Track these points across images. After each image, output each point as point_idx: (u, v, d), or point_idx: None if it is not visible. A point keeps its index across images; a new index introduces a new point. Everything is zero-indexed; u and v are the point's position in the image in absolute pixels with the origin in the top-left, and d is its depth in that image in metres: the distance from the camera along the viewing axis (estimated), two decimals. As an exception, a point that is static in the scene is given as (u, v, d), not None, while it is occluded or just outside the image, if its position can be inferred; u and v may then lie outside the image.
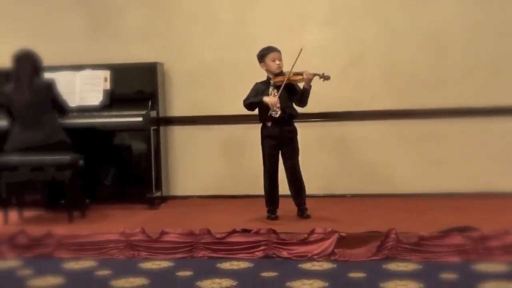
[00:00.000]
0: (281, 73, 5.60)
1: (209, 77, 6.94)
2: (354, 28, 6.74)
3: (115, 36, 7.03)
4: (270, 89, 5.62)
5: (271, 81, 5.63)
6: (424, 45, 6.63)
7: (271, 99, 5.54)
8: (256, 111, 5.71)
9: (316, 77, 5.52)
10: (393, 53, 6.68)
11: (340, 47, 6.74)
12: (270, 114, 5.57)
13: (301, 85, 5.60)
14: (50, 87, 5.97)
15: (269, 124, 5.62)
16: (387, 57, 6.69)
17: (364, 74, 6.71)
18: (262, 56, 5.64)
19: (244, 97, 5.68)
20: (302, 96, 5.60)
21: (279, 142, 5.62)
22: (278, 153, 5.67)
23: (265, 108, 5.60)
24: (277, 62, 5.59)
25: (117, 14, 7.06)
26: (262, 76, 5.72)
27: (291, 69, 5.50)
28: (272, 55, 5.60)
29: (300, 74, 5.53)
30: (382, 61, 6.70)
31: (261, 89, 5.65)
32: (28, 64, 5.94)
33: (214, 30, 6.94)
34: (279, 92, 5.52)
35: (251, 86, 5.60)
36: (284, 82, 5.51)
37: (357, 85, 6.70)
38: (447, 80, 6.61)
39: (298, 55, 5.43)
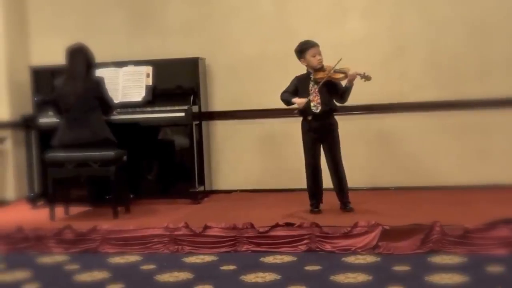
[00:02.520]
0: (321, 68, 5.57)
1: (250, 70, 6.94)
2: (395, 18, 6.67)
3: (156, 31, 7.08)
4: (311, 84, 5.59)
5: (312, 76, 5.60)
6: (468, 35, 6.53)
7: (300, 101, 5.51)
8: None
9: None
10: (435, 43, 6.59)
11: (381, 38, 6.68)
12: (311, 109, 5.55)
13: (342, 82, 5.58)
14: (99, 84, 6.02)
15: (309, 118, 5.61)
16: (430, 47, 6.61)
17: (406, 65, 6.64)
18: (302, 51, 5.62)
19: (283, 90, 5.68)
20: (343, 94, 5.59)
21: (320, 136, 5.61)
22: (320, 146, 5.66)
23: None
24: (318, 57, 5.56)
25: (158, 9, 7.11)
26: (304, 68, 5.69)
27: (334, 67, 5.47)
28: (312, 51, 5.57)
29: (343, 72, 5.51)
30: (425, 52, 6.62)
31: (300, 83, 5.63)
32: (82, 58, 5.97)
33: (254, 23, 6.93)
34: (317, 88, 5.49)
35: (292, 79, 5.58)
36: (324, 79, 5.49)
37: (400, 76, 6.63)
38: (491, 70, 6.50)
39: (337, 63, 5.43)
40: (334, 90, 5.60)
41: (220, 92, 7.02)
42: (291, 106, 5.68)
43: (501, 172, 6.43)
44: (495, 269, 4.25)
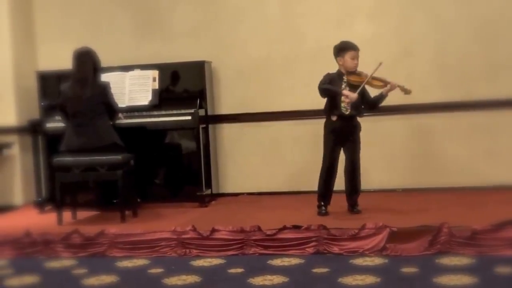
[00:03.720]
0: (355, 72, 5.56)
1: (257, 73, 6.93)
2: (402, 19, 6.65)
3: (163, 35, 7.09)
4: (343, 85, 5.57)
5: (345, 77, 5.58)
6: (475, 36, 6.51)
7: (352, 94, 5.47)
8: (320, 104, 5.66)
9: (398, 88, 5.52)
10: (443, 44, 6.58)
11: (388, 39, 6.67)
12: (341, 109, 5.53)
13: (377, 90, 5.61)
14: (105, 89, 6.03)
15: (334, 118, 5.59)
16: (437, 48, 6.59)
17: (414, 66, 6.62)
18: (342, 50, 5.59)
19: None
20: (376, 102, 5.63)
21: (343, 138, 5.59)
22: (340, 148, 5.64)
23: (334, 101, 5.56)
24: (355, 61, 5.56)
25: (165, 13, 7.11)
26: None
27: (372, 74, 5.48)
28: (352, 53, 5.55)
29: (382, 81, 5.52)
30: (432, 53, 6.60)
31: (334, 80, 5.59)
32: (88, 62, 5.98)
33: (261, 26, 6.93)
34: (357, 92, 5.46)
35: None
36: (363, 84, 5.48)
37: (407, 77, 6.57)
38: (499, 70, 6.48)
39: (376, 68, 5.45)
40: (365, 98, 5.61)
41: (227, 95, 7.02)
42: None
43: (509, 173, 6.39)
44: (503, 270, 4.23)
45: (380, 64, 5.44)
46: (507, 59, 6.45)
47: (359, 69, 5.58)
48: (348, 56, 5.55)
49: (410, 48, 6.63)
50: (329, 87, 5.55)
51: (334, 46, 5.64)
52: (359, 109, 5.61)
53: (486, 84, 6.48)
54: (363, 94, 5.61)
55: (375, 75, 5.52)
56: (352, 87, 5.53)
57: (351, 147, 5.63)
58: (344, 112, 5.54)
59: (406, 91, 5.56)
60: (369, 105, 5.68)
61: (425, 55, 6.61)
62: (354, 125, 5.63)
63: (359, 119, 5.66)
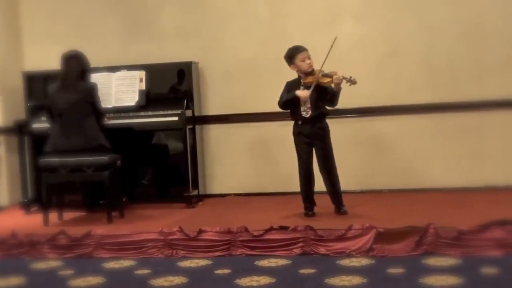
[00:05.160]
0: (311, 72, 5.56)
1: (244, 74, 6.94)
2: (389, 20, 6.67)
3: (150, 36, 7.08)
4: (301, 88, 5.57)
5: (302, 81, 5.60)
6: (462, 37, 6.54)
7: (303, 92, 5.49)
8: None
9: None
10: (430, 45, 6.60)
11: (376, 41, 6.68)
12: (301, 114, 5.54)
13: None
14: (92, 90, 6.01)
15: (299, 122, 5.61)
16: (424, 49, 6.61)
17: (401, 67, 6.64)
18: (291, 57, 5.60)
19: (278, 94, 5.67)
20: (332, 97, 5.58)
21: (311, 140, 5.60)
22: (312, 150, 5.65)
23: (296, 106, 5.58)
24: (307, 61, 5.55)
25: (152, 14, 7.10)
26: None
27: (321, 67, 5.47)
28: (301, 56, 5.55)
29: (329, 76, 5.50)
30: (419, 54, 6.63)
31: (292, 88, 5.62)
32: (76, 65, 5.98)
33: (249, 28, 6.93)
34: (309, 92, 5.48)
35: (284, 85, 5.56)
36: (313, 84, 5.48)
37: (394, 78, 6.63)
38: (486, 72, 6.50)
39: (332, 44, 5.40)
40: (324, 94, 5.58)
41: (214, 96, 7.01)
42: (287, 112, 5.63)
43: (495, 174, 6.43)
44: (489, 270, 4.24)
45: (335, 39, 5.39)
46: (494, 60, 6.48)
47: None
48: (298, 60, 5.55)
49: (398, 49, 6.65)
50: (285, 99, 5.58)
51: (284, 56, 5.63)
52: (321, 108, 5.59)
53: (473, 85, 6.50)
54: (323, 92, 5.56)
55: (326, 69, 5.46)
56: (308, 88, 5.53)
57: (322, 150, 5.62)
58: (305, 115, 5.54)
59: (352, 82, 5.43)
60: (328, 103, 5.63)
61: (413, 56, 6.63)
62: (320, 127, 5.60)
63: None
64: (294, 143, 5.68)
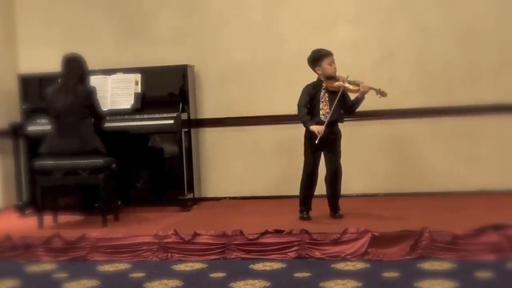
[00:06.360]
0: (333, 77, 5.57)
1: (239, 78, 6.93)
2: (384, 25, 6.69)
3: (145, 39, 7.06)
4: (322, 93, 5.57)
5: (323, 84, 5.60)
6: (456, 41, 6.56)
7: (318, 128, 5.45)
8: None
9: (372, 92, 5.50)
10: (424, 50, 6.62)
11: (370, 45, 6.69)
12: (319, 117, 5.53)
13: (353, 94, 5.60)
14: (90, 94, 6.01)
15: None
16: (419, 54, 6.63)
17: (395, 71, 6.65)
18: (318, 59, 5.58)
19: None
20: (353, 106, 5.61)
21: (323, 144, 5.57)
22: (320, 154, 5.64)
23: (314, 108, 5.56)
24: (333, 65, 5.56)
25: (148, 17, 7.10)
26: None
27: (347, 77, 5.49)
28: (328, 59, 5.55)
29: (357, 84, 5.52)
30: (414, 58, 6.64)
31: (312, 93, 5.59)
32: (77, 68, 5.99)
33: (244, 31, 6.93)
34: (333, 107, 5.47)
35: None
36: (340, 91, 5.48)
37: (389, 83, 6.61)
38: (480, 76, 6.52)
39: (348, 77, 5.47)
40: (344, 101, 5.61)
41: (209, 100, 7.01)
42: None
43: (490, 178, 6.45)
44: (484, 274, 4.25)
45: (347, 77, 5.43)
46: (488, 65, 6.50)
47: (339, 70, 5.57)
48: (325, 63, 5.55)
49: (392, 53, 6.66)
50: (303, 120, 5.53)
51: (308, 58, 5.62)
52: (339, 114, 5.61)
53: (468, 89, 6.52)
54: (344, 99, 5.60)
55: (350, 78, 5.52)
56: (331, 93, 5.54)
57: (332, 154, 5.63)
58: (324, 119, 5.53)
59: (382, 94, 5.54)
60: (347, 110, 5.67)
61: (407, 60, 6.65)
62: (333, 132, 5.61)
63: (340, 125, 5.66)
64: (303, 146, 5.64)
